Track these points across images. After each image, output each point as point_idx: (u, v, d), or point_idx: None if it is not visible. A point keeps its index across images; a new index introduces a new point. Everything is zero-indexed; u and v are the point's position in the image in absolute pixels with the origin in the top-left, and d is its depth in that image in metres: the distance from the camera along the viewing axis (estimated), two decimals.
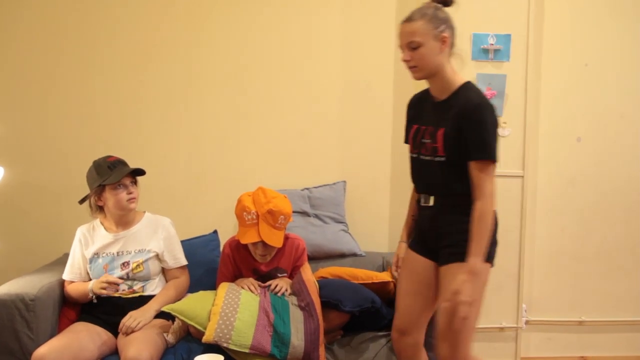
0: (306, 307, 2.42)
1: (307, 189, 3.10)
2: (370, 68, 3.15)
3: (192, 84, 3.10)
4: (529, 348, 3.28)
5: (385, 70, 3.16)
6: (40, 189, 3.04)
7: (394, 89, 3.13)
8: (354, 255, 3.01)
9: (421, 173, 2.13)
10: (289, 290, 2.54)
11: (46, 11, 3.00)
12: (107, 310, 2.42)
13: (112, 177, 2.42)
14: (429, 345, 2.25)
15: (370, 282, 2.62)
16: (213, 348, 2.24)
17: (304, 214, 3.03)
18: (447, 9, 2.03)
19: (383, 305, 2.48)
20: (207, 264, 2.82)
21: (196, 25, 3.08)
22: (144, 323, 2.34)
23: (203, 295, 2.46)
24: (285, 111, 3.15)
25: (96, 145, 2.96)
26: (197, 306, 2.37)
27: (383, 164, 3.18)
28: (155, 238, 2.54)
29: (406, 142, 2.21)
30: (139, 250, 2.50)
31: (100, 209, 2.51)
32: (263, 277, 2.62)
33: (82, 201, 2.52)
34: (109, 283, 2.39)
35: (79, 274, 2.51)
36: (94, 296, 2.41)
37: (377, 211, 3.20)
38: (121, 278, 2.45)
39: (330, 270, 2.77)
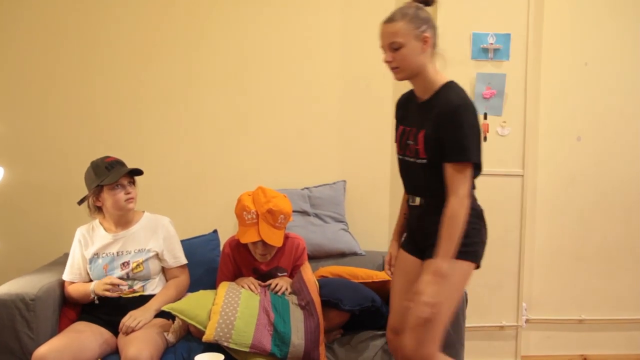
0: (306, 306, 2.42)
1: (307, 188, 3.10)
2: (370, 67, 3.14)
3: (192, 84, 3.11)
4: (529, 346, 3.28)
5: (384, 69, 3.10)
6: (40, 189, 3.05)
7: (393, 88, 3.13)
8: (354, 254, 3.02)
9: (407, 174, 2.13)
10: (289, 290, 2.54)
11: (46, 11, 3.00)
12: (107, 310, 2.42)
13: (109, 177, 2.42)
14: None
15: (370, 281, 2.62)
16: (213, 347, 2.24)
17: (304, 213, 3.04)
18: (429, 9, 2.01)
19: (383, 304, 2.48)
20: (207, 264, 2.82)
21: (196, 25, 3.08)
22: (144, 322, 2.34)
23: (203, 295, 2.46)
24: (285, 110, 3.16)
25: (96, 146, 2.96)
26: (197, 305, 2.37)
27: (383, 163, 3.18)
28: (154, 237, 2.54)
29: (395, 141, 2.21)
30: (139, 250, 2.50)
31: (99, 209, 2.51)
32: (263, 277, 2.62)
33: (80, 202, 2.52)
34: (113, 285, 2.39)
35: (78, 275, 2.51)
36: (95, 297, 2.42)
37: (377, 210, 3.20)
38: (121, 278, 2.45)
39: (330, 269, 2.78)
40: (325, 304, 2.44)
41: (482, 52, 3.03)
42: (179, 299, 2.49)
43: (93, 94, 3.06)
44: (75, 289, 2.47)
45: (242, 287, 2.50)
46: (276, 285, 2.54)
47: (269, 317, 2.35)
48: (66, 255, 2.59)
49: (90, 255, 2.49)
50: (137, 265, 2.47)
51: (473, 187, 2.04)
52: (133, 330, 2.30)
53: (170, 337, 2.35)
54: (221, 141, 3.14)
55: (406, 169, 2.12)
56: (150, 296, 2.48)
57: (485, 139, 3.06)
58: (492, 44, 3.02)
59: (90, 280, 2.49)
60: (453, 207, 1.90)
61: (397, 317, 2.17)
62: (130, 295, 2.45)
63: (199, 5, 3.08)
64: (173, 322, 2.43)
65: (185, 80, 3.10)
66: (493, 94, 3.04)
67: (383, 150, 3.18)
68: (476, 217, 2.02)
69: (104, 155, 2.52)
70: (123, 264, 2.47)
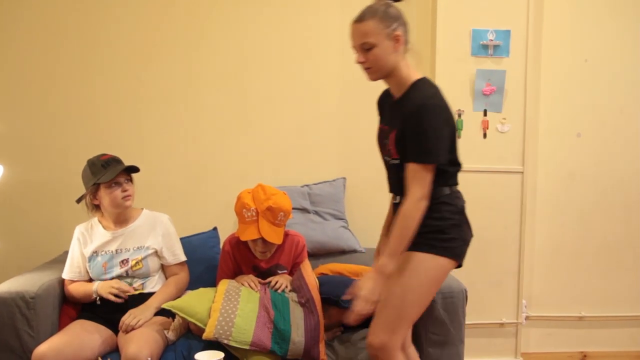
0: (306, 304, 2.42)
1: (306, 185, 3.10)
2: None
3: (192, 83, 3.11)
4: (529, 344, 3.28)
5: None
6: (40, 188, 3.05)
7: None
8: (354, 251, 3.01)
9: (388, 173, 2.11)
10: (289, 287, 2.54)
11: (46, 11, 3.01)
12: (107, 308, 2.42)
13: (105, 175, 2.42)
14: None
15: None
16: (213, 345, 2.24)
17: (304, 210, 3.04)
18: (398, 4, 1.97)
19: None
20: (207, 261, 2.82)
21: (196, 25, 3.09)
22: (144, 320, 2.34)
23: (203, 292, 2.46)
24: (284, 108, 3.16)
25: (96, 145, 2.96)
26: (197, 303, 2.37)
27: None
28: (153, 235, 2.54)
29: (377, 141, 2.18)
30: (138, 248, 2.50)
31: (97, 207, 2.51)
32: (263, 274, 2.62)
33: (79, 200, 2.52)
34: (120, 290, 2.39)
35: (78, 273, 2.51)
36: (98, 297, 2.42)
37: (376, 207, 3.15)
38: (120, 276, 2.45)
39: (330, 266, 2.78)
40: (325, 301, 2.44)
41: (482, 48, 3.02)
42: (179, 296, 2.49)
43: (93, 93, 3.06)
44: (76, 289, 2.47)
45: (242, 284, 2.50)
46: (276, 282, 2.54)
47: (269, 314, 2.35)
48: (66, 253, 2.60)
49: (89, 253, 2.49)
50: (136, 263, 2.47)
51: (455, 183, 2.02)
52: (133, 329, 2.30)
53: (171, 335, 2.35)
54: (221, 139, 3.14)
55: (386, 168, 2.11)
56: (150, 294, 2.48)
57: (484, 135, 3.06)
58: (492, 40, 3.02)
59: (90, 279, 2.50)
60: (407, 208, 1.87)
61: None
62: (130, 293, 2.46)
63: (199, 5, 3.08)
64: (173, 320, 2.43)
65: (185, 80, 3.10)
66: (493, 91, 3.04)
67: None
68: (456, 213, 2.00)
69: (99, 153, 2.52)
70: (122, 261, 2.47)
